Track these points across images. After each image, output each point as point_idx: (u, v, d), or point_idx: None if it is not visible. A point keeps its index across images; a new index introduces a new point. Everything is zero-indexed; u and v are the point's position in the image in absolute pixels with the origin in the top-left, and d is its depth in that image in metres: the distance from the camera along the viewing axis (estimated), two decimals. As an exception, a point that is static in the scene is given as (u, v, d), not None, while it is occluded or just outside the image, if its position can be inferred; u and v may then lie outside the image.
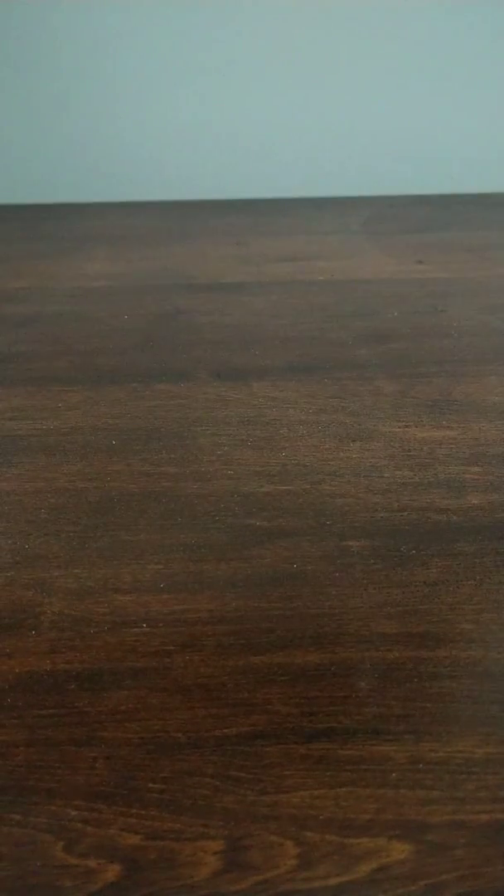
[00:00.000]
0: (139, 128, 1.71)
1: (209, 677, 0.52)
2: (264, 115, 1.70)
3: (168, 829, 0.43)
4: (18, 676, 0.53)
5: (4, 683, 0.52)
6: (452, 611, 0.57)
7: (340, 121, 1.71)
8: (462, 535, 0.65)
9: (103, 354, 0.99)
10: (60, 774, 0.46)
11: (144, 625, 0.57)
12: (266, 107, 1.70)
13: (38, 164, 1.73)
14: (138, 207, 1.69)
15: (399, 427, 0.81)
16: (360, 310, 1.11)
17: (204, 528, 0.67)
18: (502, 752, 0.47)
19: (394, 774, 0.46)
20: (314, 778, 0.45)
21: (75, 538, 0.66)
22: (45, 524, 0.67)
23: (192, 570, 0.62)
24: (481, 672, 0.52)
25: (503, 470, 0.74)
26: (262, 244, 1.42)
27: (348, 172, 1.74)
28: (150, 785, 0.45)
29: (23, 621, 0.57)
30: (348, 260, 1.33)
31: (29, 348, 1.01)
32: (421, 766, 0.46)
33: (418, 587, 0.60)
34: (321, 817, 0.43)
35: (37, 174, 1.73)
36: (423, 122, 1.72)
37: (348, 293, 1.17)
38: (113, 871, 0.41)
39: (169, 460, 0.76)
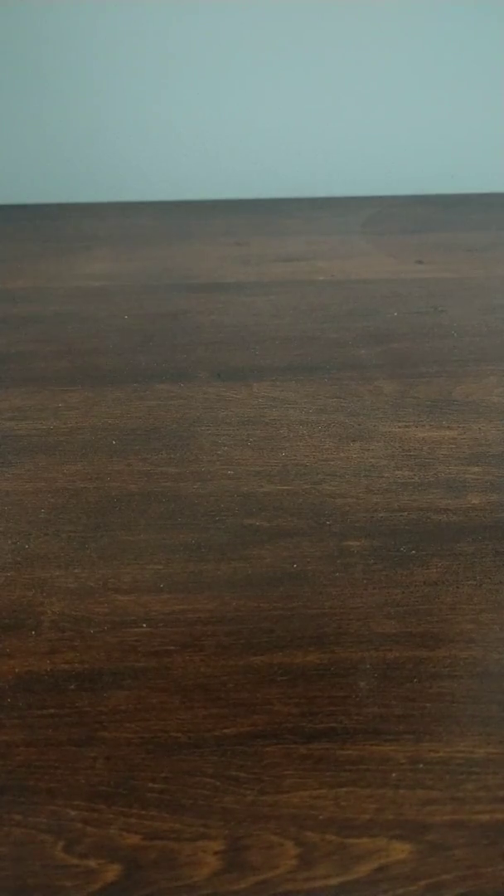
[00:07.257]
0: (139, 128, 1.71)
1: (209, 677, 0.52)
2: (264, 115, 1.70)
3: (168, 828, 0.43)
4: (18, 676, 0.53)
5: (4, 683, 0.52)
6: (452, 611, 0.57)
7: (340, 121, 1.71)
8: (462, 535, 0.65)
9: (103, 354, 0.99)
10: (60, 774, 0.46)
11: (144, 625, 0.57)
12: (266, 107, 1.70)
13: (38, 164, 1.73)
14: (138, 207, 1.69)
15: (399, 427, 0.81)
16: (360, 310, 1.11)
17: (204, 528, 0.67)
18: (502, 752, 0.47)
19: (394, 774, 0.46)
20: (314, 778, 0.45)
21: (75, 538, 0.66)
22: (45, 524, 0.67)
23: (192, 570, 0.62)
24: (481, 672, 0.52)
25: (503, 470, 0.74)
26: (262, 244, 1.42)
27: (348, 172, 1.74)
28: (150, 785, 0.45)
29: (23, 621, 0.57)
30: (348, 260, 1.33)
31: (29, 348, 1.01)
32: (421, 766, 0.46)
33: (418, 587, 0.60)
34: (321, 817, 0.43)
35: (37, 174, 1.73)
36: (424, 122, 1.71)
37: (348, 293, 1.17)
38: (113, 871, 0.41)
39: (169, 460, 0.76)
